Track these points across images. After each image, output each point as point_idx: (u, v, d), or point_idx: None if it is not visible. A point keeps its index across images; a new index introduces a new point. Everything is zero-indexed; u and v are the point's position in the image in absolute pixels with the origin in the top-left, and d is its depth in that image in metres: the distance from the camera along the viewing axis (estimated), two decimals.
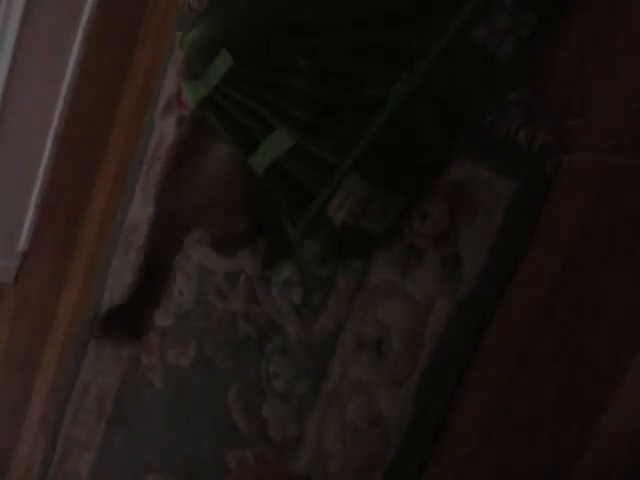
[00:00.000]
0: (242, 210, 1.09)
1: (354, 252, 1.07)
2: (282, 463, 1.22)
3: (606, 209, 0.90)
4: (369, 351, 1.12)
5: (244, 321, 1.31)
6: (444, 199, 1.04)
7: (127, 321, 1.20)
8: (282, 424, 1.23)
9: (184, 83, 1.09)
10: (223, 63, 0.99)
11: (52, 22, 1.61)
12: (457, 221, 1.03)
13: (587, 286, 0.91)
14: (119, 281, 1.56)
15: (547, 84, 0.94)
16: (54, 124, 1.72)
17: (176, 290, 1.42)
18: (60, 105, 1.70)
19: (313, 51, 0.96)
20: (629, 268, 0.87)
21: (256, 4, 1.01)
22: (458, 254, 1.03)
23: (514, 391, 0.96)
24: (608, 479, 0.87)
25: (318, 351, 1.19)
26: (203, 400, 1.37)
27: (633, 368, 0.85)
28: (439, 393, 1.04)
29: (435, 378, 1.04)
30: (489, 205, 1.00)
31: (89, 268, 1.66)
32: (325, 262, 1.17)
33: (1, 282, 1.86)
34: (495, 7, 0.90)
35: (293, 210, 0.99)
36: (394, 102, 0.93)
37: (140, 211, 1.53)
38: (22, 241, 1.83)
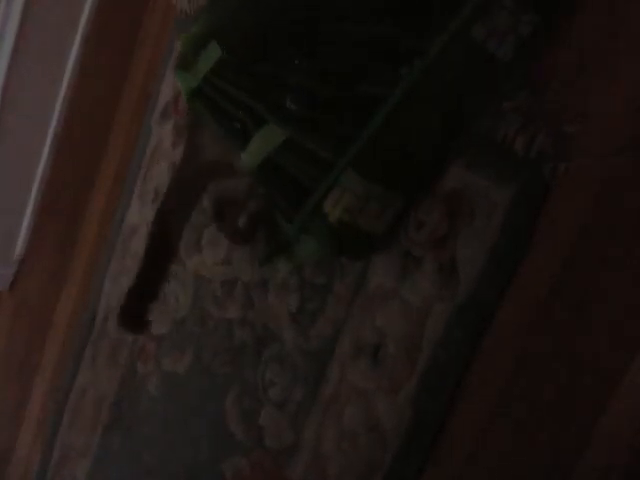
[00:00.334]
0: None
1: (351, 251, 1.07)
2: (279, 470, 1.21)
3: (606, 209, 0.90)
4: (367, 357, 1.12)
5: (240, 328, 1.30)
6: (441, 205, 1.04)
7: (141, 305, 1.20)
8: (279, 431, 1.23)
9: (175, 72, 1.08)
10: (212, 54, 0.98)
11: (51, 23, 1.62)
12: (455, 227, 1.03)
13: (587, 286, 0.90)
14: (116, 286, 1.56)
15: (547, 84, 0.94)
16: (52, 128, 1.72)
17: (172, 297, 1.42)
18: (58, 108, 1.70)
19: (310, 46, 0.96)
20: (629, 268, 0.87)
21: (252, 2, 1.01)
22: (456, 260, 1.02)
23: (513, 392, 0.96)
24: None
25: (315, 357, 1.19)
26: (199, 407, 1.37)
27: (633, 368, 0.85)
28: (437, 398, 1.03)
29: (433, 383, 1.04)
30: (487, 211, 1.00)
31: (88, 270, 1.66)
32: (323, 259, 1.17)
33: None
34: (495, 7, 0.90)
35: (288, 206, 0.98)
36: (392, 100, 0.93)
37: (138, 215, 1.53)
38: (19, 248, 1.83)
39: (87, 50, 1.66)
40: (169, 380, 1.42)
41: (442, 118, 0.97)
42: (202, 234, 1.38)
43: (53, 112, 1.71)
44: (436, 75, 0.93)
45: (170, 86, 1.46)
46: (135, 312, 1.21)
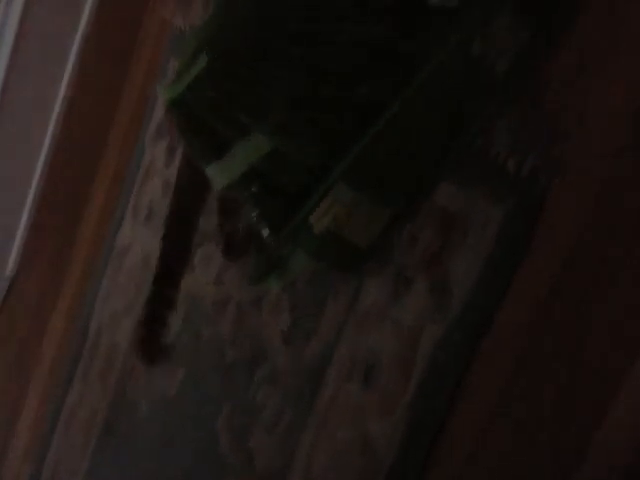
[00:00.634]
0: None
1: (337, 263, 1.06)
2: None
3: (606, 209, 0.90)
4: (359, 377, 1.11)
5: (232, 348, 1.30)
6: (434, 222, 1.03)
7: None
8: (270, 453, 1.22)
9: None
10: (200, 64, 0.97)
11: (50, 23, 1.62)
12: (447, 245, 1.02)
13: (587, 286, 0.90)
14: (108, 305, 1.56)
15: (546, 85, 0.94)
16: (47, 142, 1.73)
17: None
18: (53, 120, 1.71)
19: (304, 53, 0.96)
20: (629, 268, 0.86)
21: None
22: (448, 279, 1.02)
23: (513, 392, 0.95)
24: None
25: (307, 377, 1.18)
26: (190, 428, 1.36)
27: (634, 369, 0.84)
28: (430, 419, 1.02)
29: (426, 404, 1.03)
30: (479, 229, 0.99)
31: (80, 288, 1.66)
32: (314, 275, 1.16)
33: None
34: (494, 22, 0.90)
35: (273, 217, 0.97)
36: (387, 113, 0.93)
37: (130, 233, 1.53)
38: (11, 265, 1.83)
39: (87, 50, 1.66)
40: (159, 402, 1.41)
41: (436, 133, 0.97)
42: (195, 253, 1.38)
43: (48, 125, 1.71)
44: (432, 89, 0.93)
45: (163, 105, 1.46)
46: (149, 342, 1.20)
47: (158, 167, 1.49)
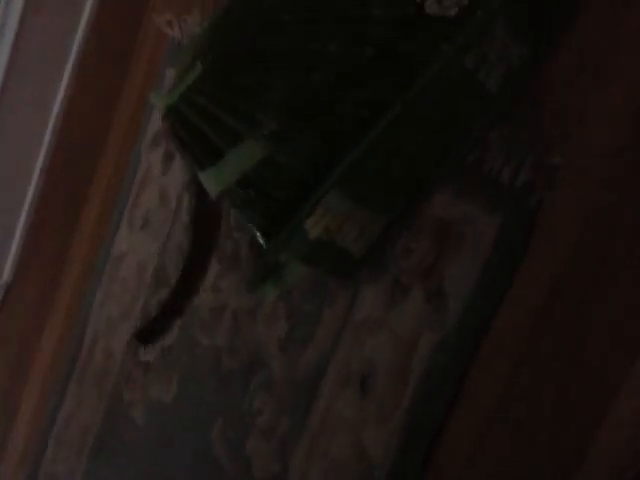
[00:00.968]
0: None
1: (333, 270, 1.06)
2: None
3: (606, 209, 0.90)
4: (355, 387, 1.11)
5: (228, 355, 1.30)
6: (429, 233, 1.04)
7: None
8: (266, 461, 1.22)
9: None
10: (196, 72, 0.97)
11: (50, 25, 1.62)
12: (442, 255, 1.03)
13: (587, 286, 0.90)
14: (103, 313, 1.55)
15: (544, 88, 0.95)
16: (43, 150, 1.72)
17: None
18: (51, 125, 1.71)
19: (299, 61, 0.96)
20: (629, 268, 0.87)
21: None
22: (444, 289, 1.03)
23: (512, 395, 0.95)
24: None
25: (303, 386, 1.18)
26: (186, 436, 1.35)
27: (634, 369, 0.84)
28: (426, 428, 1.02)
29: (421, 414, 1.03)
30: (474, 239, 1.00)
31: (75, 296, 1.65)
32: (310, 283, 1.16)
33: None
34: (487, 36, 0.90)
35: (266, 224, 0.97)
36: (381, 123, 0.93)
37: (126, 241, 1.53)
38: (6, 273, 1.82)
39: (86, 52, 1.66)
40: (155, 408, 1.41)
41: (429, 144, 0.97)
42: None
43: (47, 127, 1.70)
44: (425, 101, 0.93)
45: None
46: (154, 326, 1.20)
47: (154, 175, 1.49)
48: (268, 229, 0.96)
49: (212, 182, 0.97)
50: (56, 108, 1.70)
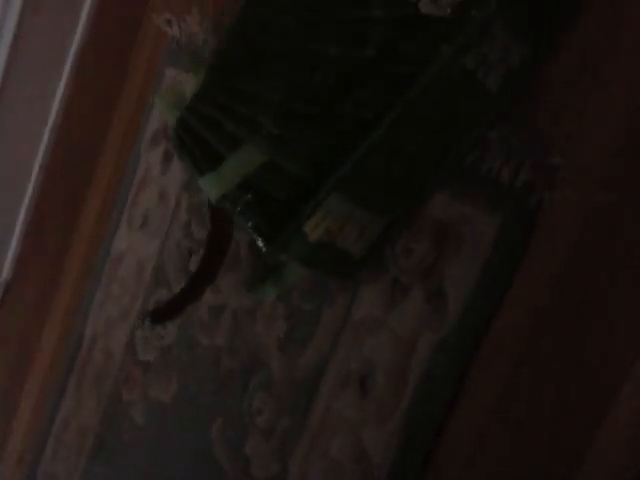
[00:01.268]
0: None
1: (333, 271, 1.06)
2: None
3: (606, 209, 0.90)
4: (354, 387, 1.11)
5: (227, 355, 1.30)
6: (429, 233, 1.04)
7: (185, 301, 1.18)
8: (265, 461, 1.22)
9: (162, 105, 1.07)
10: (199, 79, 0.98)
11: (48, 27, 1.62)
12: (442, 256, 1.03)
13: (587, 286, 0.90)
14: (102, 313, 1.55)
15: (544, 89, 0.95)
16: (41, 149, 1.72)
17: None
18: (49, 128, 1.70)
19: (298, 63, 0.96)
20: (629, 268, 0.87)
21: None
22: (443, 289, 1.03)
23: (513, 394, 0.95)
24: None
25: (302, 386, 1.18)
26: (185, 436, 1.35)
27: (634, 369, 0.84)
28: (425, 427, 1.02)
29: (420, 414, 1.03)
30: (474, 240, 1.00)
31: (74, 296, 1.65)
32: (310, 283, 1.16)
33: None
34: (487, 36, 0.90)
35: (266, 227, 0.97)
36: (382, 125, 0.93)
37: (125, 241, 1.53)
38: (5, 272, 1.82)
39: (85, 53, 1.66)
40: (154, 408, 1.41)
41: (430, 144, 0.98)
42: (190, 259, 1.38)
43: (46, 127, 1.70)
44: (425, 101, 0.93)
45: (159, 114, 1.47)
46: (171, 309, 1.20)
47: (154, 174, 1.49)
48: (268, 232, 0.96)
49: (213, 187, 0.98)
50: (55, 107, 1.70)
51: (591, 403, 0.89)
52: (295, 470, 1.18)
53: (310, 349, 1.17)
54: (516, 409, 0.95)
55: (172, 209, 1.44)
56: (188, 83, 1.07)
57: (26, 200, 1.77)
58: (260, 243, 0.97)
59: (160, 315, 1.25)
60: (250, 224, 0.97)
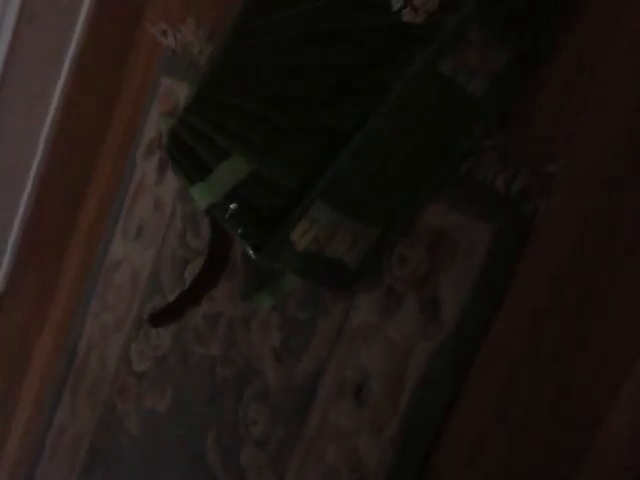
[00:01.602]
0: None
1: (326, 281, 1.06)
2: None
3: (606, 209, 0.90)
4: (350, 395, 1.11)
5: (222, 365, 1.29)
6: (423, 242, 1.04)
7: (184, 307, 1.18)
8: (260, 471, 1.21)
9: (158, 118, 1.09)
10: (191, 94, 0.99)
11: (41, 46, 1.62)
12: (437, 264, 1.03)
13: (587, 286, 0.90)
14: (97, 322, 1.55)
15: (545, 88, 0.95)
16: (36, 160, 1.72)
17: (154, 333, 1.41)
18: (44, 138, 1.70)
19: (276, 74, 0.96)
20: (629, 268, 0.87)
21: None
22: (438, 298, 1.02)
23: (513, 395, 0.95)
24: None
25: (298, 396, 1.18)
26: (180, 446, 1.35)
27: (634, 369, 0.84)
28: (421, 436, 1.02)
29: (416, 422, 1.03)
30: (469, 248, 1.00)
31: (70, 304, 1.65)
32: (306, 294, 1.16)
33: None
34: (462, 41, 0.89)
35: (254, 237, 0.98)
36: (362, 134, 0.93)
37: (121, 250, 1.53)
38: (0, 282, 1.82)
39: (82, 59, 1.66)
40: (149, 419, 1.40)
41: (416, 151, 0.97)
42: (185, 268, 1.38)
43: (40, 138, 1.71)
44: (404, 109, 0.93)
45: (155, 123, 1.47)
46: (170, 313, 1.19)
47: (149, 184, 1.49)
48: (256, 240, 0.97)
49: (201, 196, 0.99)
50: (50, 116, 1.70)
51: (591, 403, 0.88)
52: (291, 477, 1.17)
53: (305, 358, 1.17)
54: (516, 409, 0.95)
55: (167, 218, 1.44)
56: (183, 92, 1.07)
57: (21, 211, 1.76)
58: (249, 251, 0.97)
59: (159, 318, 1.25)
60: (239, 232, 0.97)
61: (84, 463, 1.54)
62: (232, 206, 0.96)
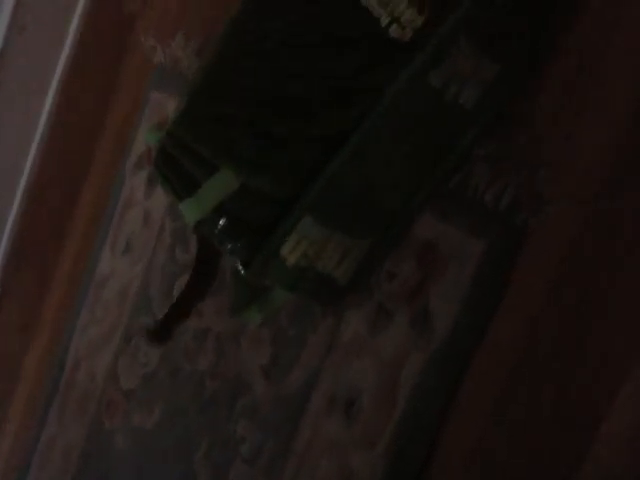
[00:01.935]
0: None
1: (317, 296, 1.06)
2: None
3: (606, 208, 0.90)
4: (340, 411, 1.10)
5: (211, 381, 1.29)
6: (413, 255, 1.04)
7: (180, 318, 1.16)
8: None
9: (147, 133, 1.08)
10: (180, 107, 0.99)
11: (35, 50, 1.62)
12: (427, 278, 1.02)
13: (586, 286, 0.90)
14: (85, 336, 1.54)
15: (545, 88, 0.95)
16: (26, 172, 1.71)
17: (142, 350, 1.40)
18: (33, 150, 1.70)
19: (262, 86, 0.96)
20: (629, 268, 0.87)
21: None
22: (429, 312, 1.02)
23: (510, 397, 0.94)
24: None
25: (288, 411, 1.17)
26: (168, 463, 1.34)
27: (634, 370, 0.84)
28: (412, 452, 1.02)
29: (407, 437, 1.03)
30: (459, 262, 1.00)
31: (58, 319, 1.64)
32: (296, 310, 1.16)
33: None
34: (452, 52, 0.89)
35: (243, 252, 0.97)
36: (349, 148, 0.93)
37: (109, 265, 1.52)
38: None
39: (71, 73, 1.66)
40: (137, 435, 1.39)
41: (403, 164, 0.97)
42: (174, 284, 1.37)
43: (29, 151, 1.70)
44: (393, 122, 0.94)
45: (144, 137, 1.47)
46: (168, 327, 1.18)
47: (138, 198, 1.48)
48: (245, 256, 0.96)
49: (190, 212, 0.99)
50: (41, 127, 1.70)
51: (591, 403, 0.88)
52: None
53: (295, 373, 1.17)
54: (514, 412, 0.94)
55: (156, 232, 1.44)
56: (172, 107, 1.07)
57: (9, 225, 1.76)
58: (239, 267, 0.97)
59: (157, 334, 1.23)
60: (228, 248, 0.97)
61: (74, 476, 1.53)
62: (221, 221, 0.96)
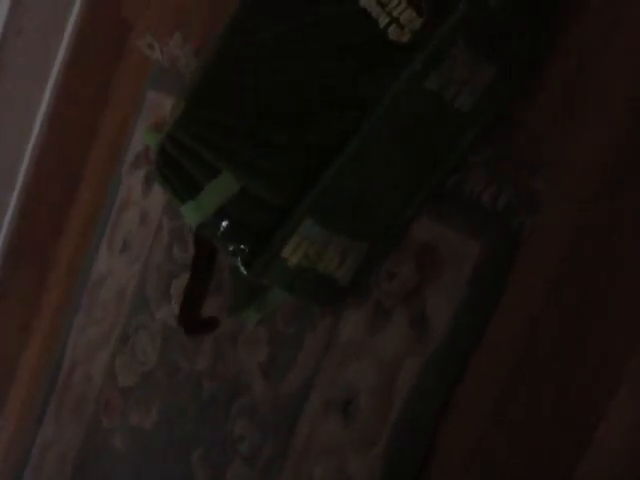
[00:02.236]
0: None
1: (316, 297, 1.06)
2: None
3: (606, 208, 0.90)
4: (337, 412, 1.11)
5: (209, 381, 1.29)
6: (411, 257, 1.04)
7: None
8: None
9: (144, 133, 1.08)
10: (179, 109, 0.99)
11: (28, 58, 1.62)
12: (424, 279, 1.03)
13: (586, 286, 0.90)
14: (83, 337, 1.54)
15: (544, 88, 0.95)
16: (22, 170, 1.71)
17: (140, 349, 1.40)
18: (29, 150, 1.70)
19: (262, 90, 0.96)
20: (629, 268, 0.87)
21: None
22: (426, 313, 1.02)
23: (510, 397, 0.94)
24: None
25: (285, 412, 1.17)
26: (166, 463, 1.34)
27: (634, 370, 0.84)
28: (415, 441, 1.02)
29: (405, 439, 1.03)
30: (457, 263, 1.00)
31: (54, 320, 1.64)
32: (294, 310, 1.16)
33: None
34: (448, 56, 0.89)
35: (244, 254, 0.98)
36: (347, 151, 0.93)
37: (106, 265, 1.52)
38: None
39: (68, 72, 1.66)
40: (135, 435, 1.39)
41: (400, 166, 0.98)
42: (171, 284, 1.37)
43: (25, 152, 1.70)
44: (390, 125, 0.94)
45: (141, 137, 1.47)
46: (193, 313, 1.17)
47: (135, 197, 1.48)
48: (248, 257, 0.96)
49: (192, 215, 0.99)
50: (37, 128, 1.70)
51: (591, 403, 0.88)
52: None
53: (293, 374, 1.17)
54: (514, 411, 0.94)
55: (153, 232, 1.44)
56: (169, 106, 1.07)
57: (5, 225, 1.76)
58: (241, 268, 0.97)
59: (193, 324, 1.22)
60: (230, 250, 0.97)
61: (71, 477, 1.53)
62: (224, 224, 0.96)
